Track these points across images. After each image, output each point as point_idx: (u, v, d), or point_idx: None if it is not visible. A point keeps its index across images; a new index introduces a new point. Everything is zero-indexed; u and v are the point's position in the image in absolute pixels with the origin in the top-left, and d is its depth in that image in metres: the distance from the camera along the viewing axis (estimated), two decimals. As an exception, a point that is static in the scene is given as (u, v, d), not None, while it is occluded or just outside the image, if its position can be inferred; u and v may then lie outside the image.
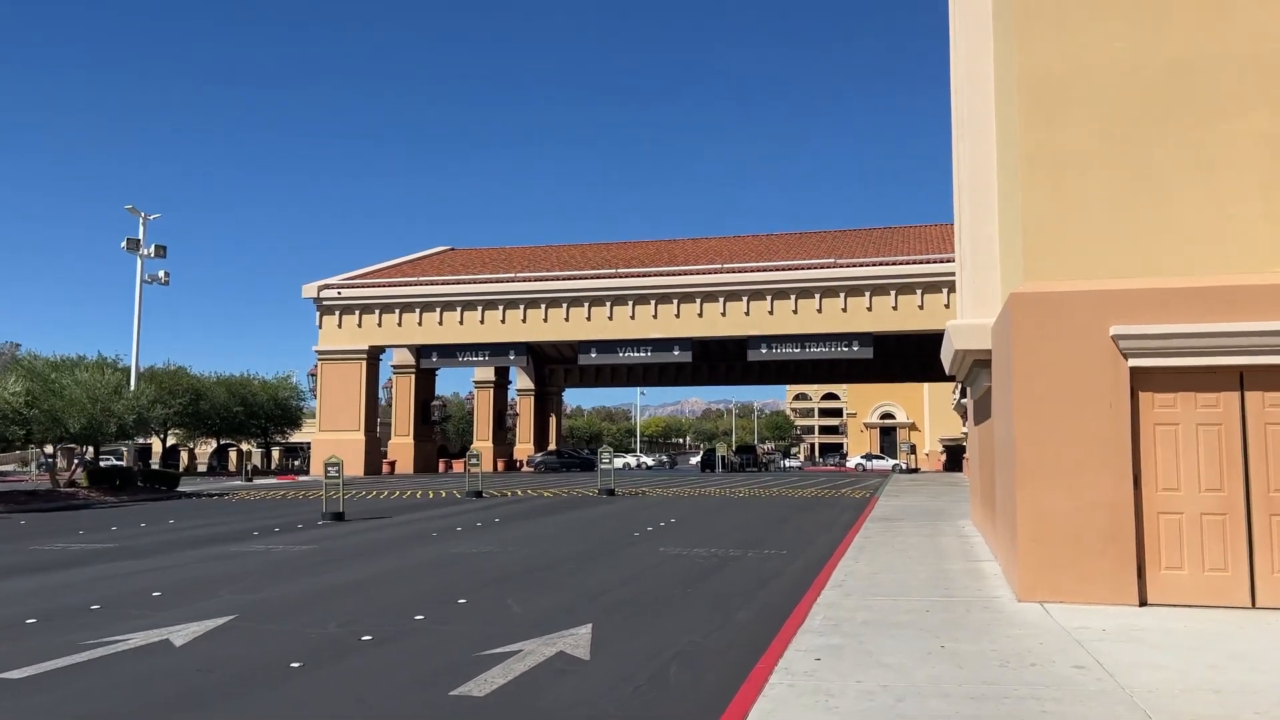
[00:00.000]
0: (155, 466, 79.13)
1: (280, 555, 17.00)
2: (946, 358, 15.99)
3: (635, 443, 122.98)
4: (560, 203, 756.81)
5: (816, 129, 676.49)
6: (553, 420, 74.47)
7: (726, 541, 18.21)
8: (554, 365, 71.13)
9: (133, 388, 37.14)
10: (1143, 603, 9.87)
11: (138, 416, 34.71)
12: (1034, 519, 10.12)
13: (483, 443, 66.31)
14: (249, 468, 48.24)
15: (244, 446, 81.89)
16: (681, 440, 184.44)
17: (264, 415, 74.95)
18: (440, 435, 79.03)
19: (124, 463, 43.07)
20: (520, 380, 70.97)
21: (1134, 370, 10.06)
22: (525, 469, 64.81)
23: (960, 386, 56.71)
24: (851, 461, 75.87)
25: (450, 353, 53.58)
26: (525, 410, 72.00)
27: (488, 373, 65.96)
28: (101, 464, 66.61)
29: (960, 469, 56.46)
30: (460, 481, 33.69)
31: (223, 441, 77.52)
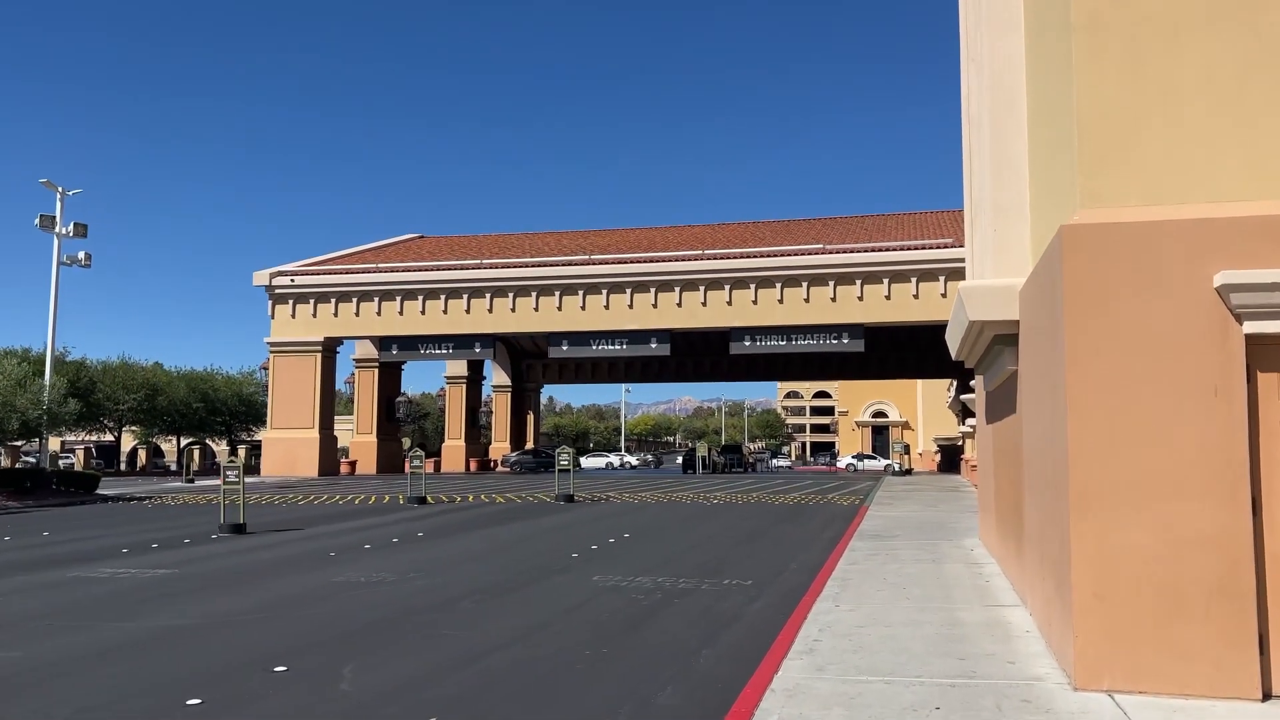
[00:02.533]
0: (122, 464, 75.84)
1: (124, 584, 13.67)
2: (954, 336, 12.53)
3: (621, 441, 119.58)
4: (550, 203, 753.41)
5: (812, 120, 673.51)
6: (530, 418, 70.92)
7: (681, 566, 14.82)
8: (531, 360, 67.64)
9: (47, 380, 33.52)
10: (1266, 695, 6.46)
11: (47, 412, 31.12)
12: (1098, 564, 6.71)
13: (455, 441, 62.83)
14: (190, 468, 44.59)
15: (213, 445, 78.52)
16: (672, 439, 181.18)
17: (227, 412, 71.73)
18: (419, 434, 75.30)
19: (84, 462, 39.64)
20: (496, 376, 67.40)
21: (1251, 339, 6.65)
22: (501, 469, 61.30)
23: (955, 383, 53.34)
24: (842, 462, 72.35)
25: (411, 345, 49.95)
26: (501, 407, 68.42)
27: (460, 367, 62.35)
28: (61, 463, 62.93)
29: (957, 470, 53.04)
30: (423, 483, 30.32)
31: (188, 439, 74.08)
